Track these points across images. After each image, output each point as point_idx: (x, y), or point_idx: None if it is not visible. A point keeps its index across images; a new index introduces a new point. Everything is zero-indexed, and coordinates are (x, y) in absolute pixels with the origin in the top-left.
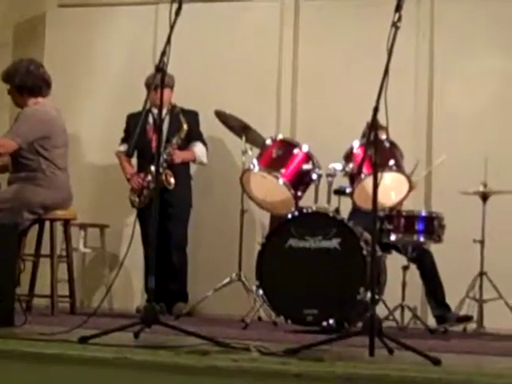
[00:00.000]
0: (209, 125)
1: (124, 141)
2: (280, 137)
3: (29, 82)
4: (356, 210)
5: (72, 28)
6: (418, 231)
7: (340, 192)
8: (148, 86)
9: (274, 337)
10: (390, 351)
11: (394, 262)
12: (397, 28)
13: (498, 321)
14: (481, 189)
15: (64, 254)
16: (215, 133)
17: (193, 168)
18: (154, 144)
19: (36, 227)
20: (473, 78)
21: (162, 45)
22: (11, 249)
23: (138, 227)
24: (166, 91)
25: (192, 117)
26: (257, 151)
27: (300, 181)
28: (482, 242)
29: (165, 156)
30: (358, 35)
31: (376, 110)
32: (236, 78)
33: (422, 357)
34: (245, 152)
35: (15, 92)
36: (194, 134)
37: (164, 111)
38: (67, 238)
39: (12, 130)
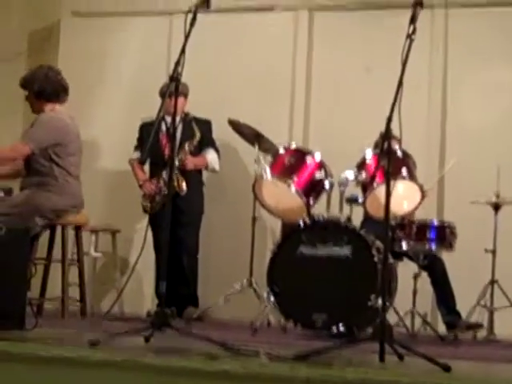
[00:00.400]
0: (222, 133)
1: (137, 149)
2: (293, 145)
3: (47, 88)
4: (368, 219)
5: (86, 37)
6: (430, 240)
7: (352, 200)
8: (162, 94)
9: (284, 342)
10: (400, 357)
11: (406, 270)
12: (411, 40)
13: (509, 328)
14: (493, 199)
15: (75, 258)
16: (228, 141)
17: (205, 175)
18: (166, 151)
19: (48, 232)
20: (486, 89)
21: (176, 54)
22: (23, 253)
23: (149, 232)
24: (180, 99)
25: (205, 125)
26: (269, 159)
27: (312, 189)
28: (493, 252)
29: (177, 162)
30: (372, 45)
31: (390, 120)
32: (249, 86)
33: (431, 363)
34: (257, 160)
35: (33, 98)
36: (207, 141)
37: (177, 119)
38: (78, 242)
39: (26, 135)
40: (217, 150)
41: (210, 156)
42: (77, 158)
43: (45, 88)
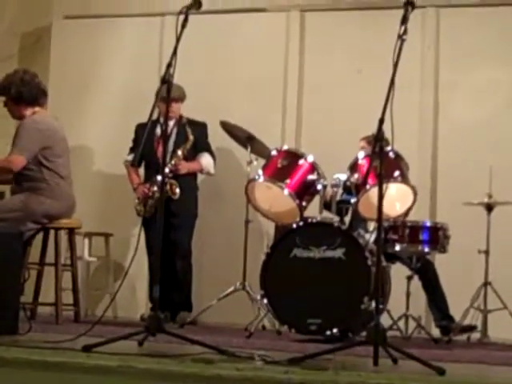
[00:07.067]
0: (214, 135)
1: (132, 150)
2: (285, 147)
3: (25, 92)
4: (356, 219)
5: (78, 39)
6: (423, 241)
7: (345, 202)
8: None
9: (278, 346)
10: (394, 361)
11: (399, 272)
12: (403, 40)
13: (502, 331)
14: (485, 200)
15: (68, 262)
16: (220, 143)
17: (198, 178)
18: (160, 154)
19: (41, 236)
20: (478, 90)
21: (168, 56)
22: (16, 257)
23: (142, 236)
24: (177, 105)
25: (200, 128)
26: (262, 162)
27: (305, 191)
28: (486, 253)
29: (170, 166)
30: (364, 46)
31: (381, 121)
32: (242, 88)
33: (426, 366)
34: (250, 162)
35: (12, 103)
36: (202, 145)
37: (172, 122)
38: (72, 246)
39: (16, 146)
40: (212, 154)
41: (205, 160)
42: (65, 158)
43: (22, 92)
